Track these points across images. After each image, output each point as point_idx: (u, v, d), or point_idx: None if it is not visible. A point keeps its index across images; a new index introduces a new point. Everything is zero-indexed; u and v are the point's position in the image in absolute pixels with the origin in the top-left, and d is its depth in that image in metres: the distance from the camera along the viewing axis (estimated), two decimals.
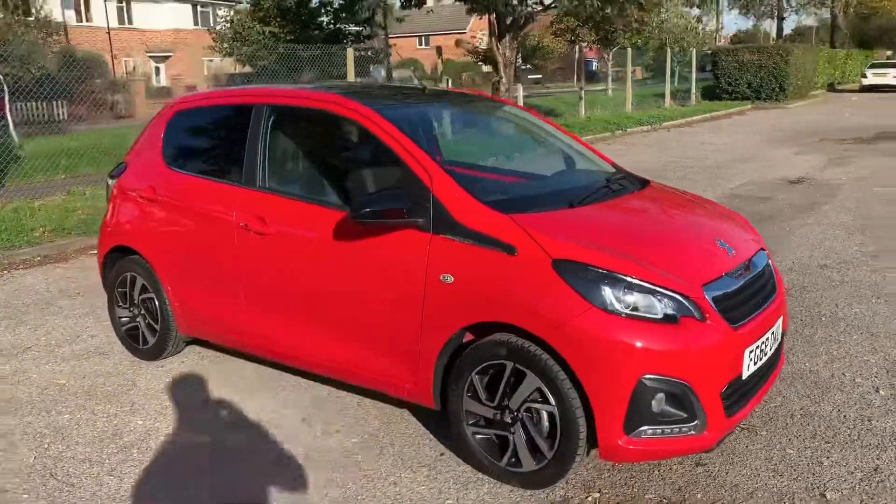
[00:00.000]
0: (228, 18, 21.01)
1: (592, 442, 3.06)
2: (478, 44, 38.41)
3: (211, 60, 33.21)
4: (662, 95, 26.02)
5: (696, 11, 38.91)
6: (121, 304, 4.83)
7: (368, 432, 3.79)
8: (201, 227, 4.25)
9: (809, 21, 61.70)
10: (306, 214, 3.83)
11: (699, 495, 3.16)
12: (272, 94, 4.22)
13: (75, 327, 5.46)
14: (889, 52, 51.11)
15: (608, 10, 16.53)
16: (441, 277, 3.29)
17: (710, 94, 28.94)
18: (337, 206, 3.75)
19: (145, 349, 4.75)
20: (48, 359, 4.87)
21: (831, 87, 37.82)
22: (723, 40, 43.02)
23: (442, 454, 3.56)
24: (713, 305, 3.09)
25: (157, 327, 4.64)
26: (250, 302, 4.06)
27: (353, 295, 3.64)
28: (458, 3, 18.02)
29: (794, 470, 3.32)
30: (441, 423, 3.67)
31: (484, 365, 3.25)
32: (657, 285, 3.01)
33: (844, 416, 3.80)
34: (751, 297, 3.34)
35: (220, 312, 4.24)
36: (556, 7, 16.76)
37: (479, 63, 39.36)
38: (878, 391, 4.07)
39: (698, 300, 3.05)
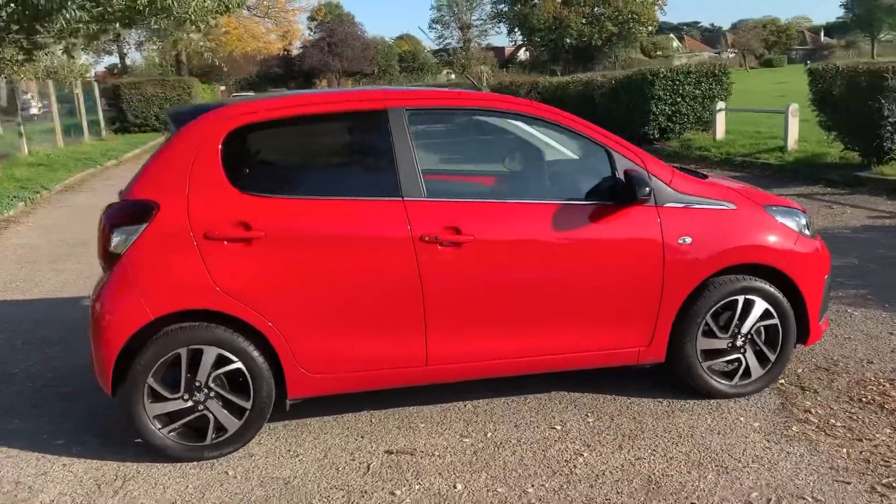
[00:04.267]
0: None
1: None
2: None
3: None
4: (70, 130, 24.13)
5: None
6: (165, 396, 3.49)
7: (581, 417, 3.95)
8: (352, 254, 3.55)
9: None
10: (513, 213, 3.73)
11: (847, 361, 4.52)
12: (411, 97, 3.77)
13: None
14: (223, 87, 56.94)
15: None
16: (680, 240, 3.83)
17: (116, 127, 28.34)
18: (552, 199, 3.79)
19: (218, 441, 3.58)
20: None
21: None
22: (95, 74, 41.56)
23: (660, 402, 4.05)
24: None
25: (248, 404, 3.58)
26: (446, 321, 3.65)
27: (584, 280, 3.79)
28: None
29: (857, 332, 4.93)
30: (613, 384, 4.17)
31: (717, 306, 3.95)
32: (805, 214, 4.25)
33: None
34: None
35: (386, 347, 3.64)
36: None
37: None
38: None
39: None
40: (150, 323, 3.43)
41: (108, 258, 3.49)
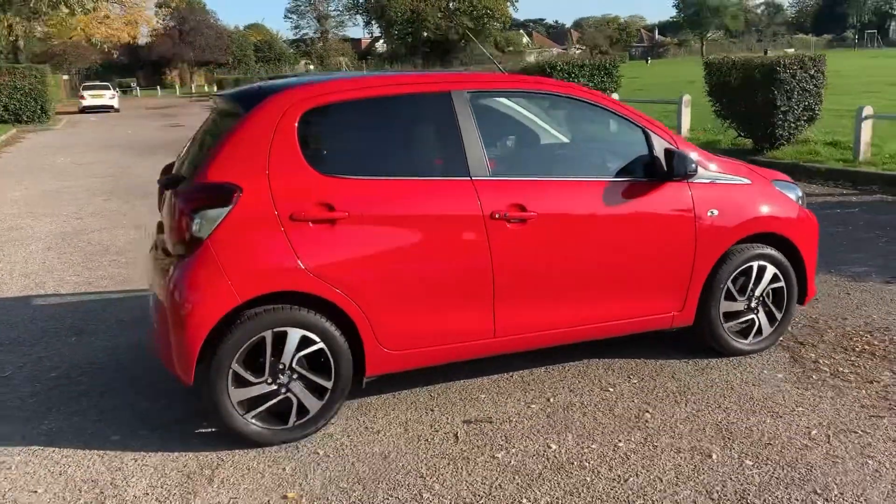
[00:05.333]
0: None
1: None
2: None
3: None
4: None
5: None
6: (249, 380, 3.45)
7: (624, 378, 4.26)
8: (430, 232, 3.64)
9: None
10: (568, 190, 3.95)
11: (826, 319, 5.06)
12: (472, 80, 3.89)
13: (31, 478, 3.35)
14: (66, 76, 53.26)
15: None
16: (708, 213, 4.21)
17: None
18: (600, 176, 4.04)
19: (300, 423, 3.58)
20: None
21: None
22: None
23: (686, 361, 4.43)
24: None
25: (329, 384, 3.60)
26: (512, 294, 3.81)
27: (632, 252, 4.08)
28: None
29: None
30: (637, 349, 4.53)
31: (736, 273, 4.36)
32: (799, 187, 4.75)
33: None
34: None
35: (459, 321, 3.76)
36: None
37: None
38: None
39: None
40: (237, 307, 3.38)
41: (188, 243, 3.39)
